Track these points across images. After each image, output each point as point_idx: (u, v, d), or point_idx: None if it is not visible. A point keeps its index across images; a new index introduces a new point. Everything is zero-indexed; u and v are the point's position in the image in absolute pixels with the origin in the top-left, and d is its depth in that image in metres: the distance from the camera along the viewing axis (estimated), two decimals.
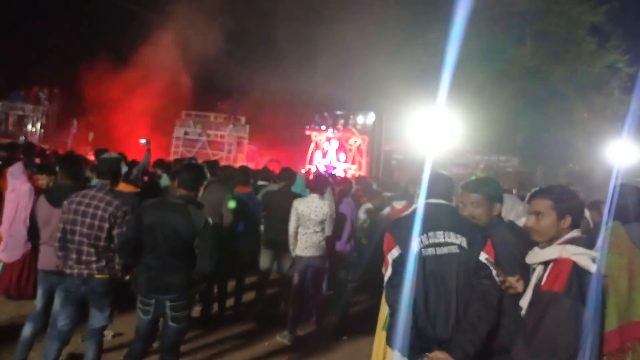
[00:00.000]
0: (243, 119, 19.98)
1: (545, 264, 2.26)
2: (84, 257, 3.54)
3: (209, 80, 19.41)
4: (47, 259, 3.86)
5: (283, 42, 17.58)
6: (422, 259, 2.64)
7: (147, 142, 7.23)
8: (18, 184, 5.07)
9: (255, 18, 18.34)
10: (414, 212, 2.80)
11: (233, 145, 19.40)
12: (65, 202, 3.60)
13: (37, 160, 6.83)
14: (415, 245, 2.64)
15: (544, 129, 17.96)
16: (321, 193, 5.15)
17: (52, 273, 3.85)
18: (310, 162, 19.14)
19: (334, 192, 5.56)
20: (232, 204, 5.18)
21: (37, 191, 4.78)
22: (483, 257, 2.60)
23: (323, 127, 18.96)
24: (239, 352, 4.80)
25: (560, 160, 20.02)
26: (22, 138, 16.31)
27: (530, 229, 2.33)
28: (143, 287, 3.39)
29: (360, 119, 19.38)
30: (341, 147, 18.99)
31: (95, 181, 4.43)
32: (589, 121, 19.17)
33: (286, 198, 5.40)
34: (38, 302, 3.98)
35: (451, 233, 2.67)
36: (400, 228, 2.74)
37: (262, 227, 5.85)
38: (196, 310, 5.29)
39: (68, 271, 3.58)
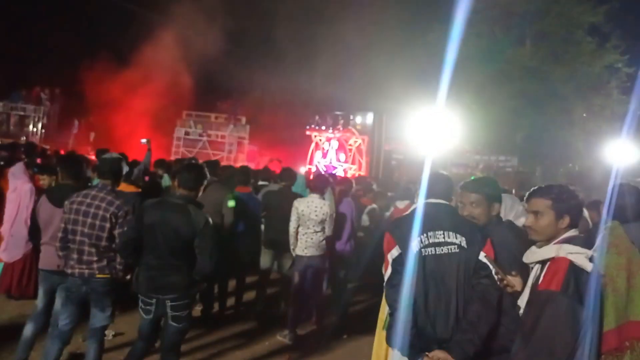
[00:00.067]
0: (243, 119, 20.01)
1: (543, 263, 2.27)
2: (85, 257, 3.55)
3: (210, 81, 19.44)
4: (49, 258, 3.88)
5: (283, 42, 17.61)
6: (422, 259, 2.65)
7: (148, 142, 7.25)
8: (19, 184, 5.09)
9: (256, 18, 18.36)
10: (413, 212, 2.81)
11: (233, 145, 19.43)
12: (66, 202, 3.61)
13: (39, 161, 6.83)
14: (415, 245, 2.65)
15: (543, 129, 17.99)
16: (321, 193, 5.16)
17: (54, 273, 3.86)
18: (311, 162, 19.15)
19: (334, 192, 5.58)
20: (231, 203, 5.20)
21: (39, 191, 4.79)
22: (483, 256, 2.61)
23: (323, 127, 18.97)
24: (239, 352, 4.81)
25: (559, 160, 20.05)
26: (23, 138, 16.34)
27: (528, 228, 2.34)
28: (144, 287, 3.41)
29: (360, 119, 19.39)
30: (341, 147, 19.00)
31: (96, 181, 4.44)
32: (588, 121, 19.21)
33: (286, 198, 5.42)
34: (39, 301, 3.99)
35: (451, 233, 2.68)
36: (400, 228, 2.75)
37: (262, 227, 5.87)
38: (197, 310, 5.30)
39: (69, 271, 3.59)
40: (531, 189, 2.39)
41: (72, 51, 18.77)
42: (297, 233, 5.13)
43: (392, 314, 2.70)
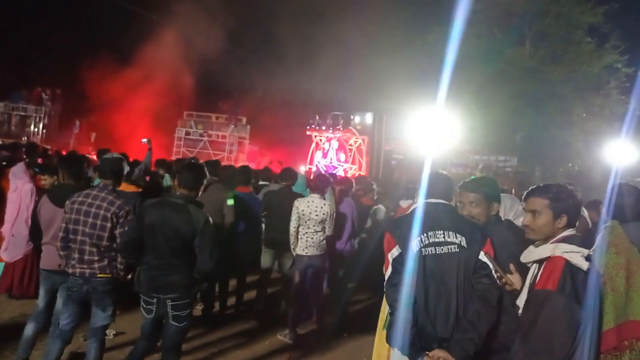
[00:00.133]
0: (244, 119, 20.04)
1: (540, 262, 2.28)
2: (86, 257, 3.57)
3: (210, 81, 19.49)
4: (50, 258, 3.88)
5: (284, 42, 17.64)
6: (422, 258, 2.66)
7: (149, 142, 7.26)
8: (20, 184, 5.10)
9: (256, 19, 18.40)
10: (413, 212, 2.82)
11: (234, 145, 19.48)
12: (67, 202, 3.62)
13: (40, 161, 6.84)
14: (415, 245, 2.66)
15: (542, 129, 17.99)
16: (322, 193, 5.17)
17: (55, 272, 3.87)
18: (311, 162, 19.17)
19: (334, 192, 5.59)
20: (230, 201, 5.21)
21: (40, 191, 4.80)
22: (482, 255, 2.62)
23: (323, 127, 18.99)
24: (240, 351, 4.82)
25: (558, 160, 20.04)
26: (24, 138, 16.35)
27: (526, 227, 2.35)
28: (145, 287, 3.42)
29: (360, 119, 19.41)
30: (341, 147, 19.02)
31: (97, 181, 4.45)
32: (587, 121, 19.21)
33: (287, 198, 5.43)
34: (40, 301, 4.00)
35: (451, 232, 2.69)
36: (400, 227, 2.76)
37: (263, 227, 5.88)
38: (198, 309, 5.32)
39: (70, 270, 3.60)
40: (530, 188, 2.40)
41: (73, 51, 18.82)
42: (297, 233, 5.14)
43: (392, 314, 2.70)
